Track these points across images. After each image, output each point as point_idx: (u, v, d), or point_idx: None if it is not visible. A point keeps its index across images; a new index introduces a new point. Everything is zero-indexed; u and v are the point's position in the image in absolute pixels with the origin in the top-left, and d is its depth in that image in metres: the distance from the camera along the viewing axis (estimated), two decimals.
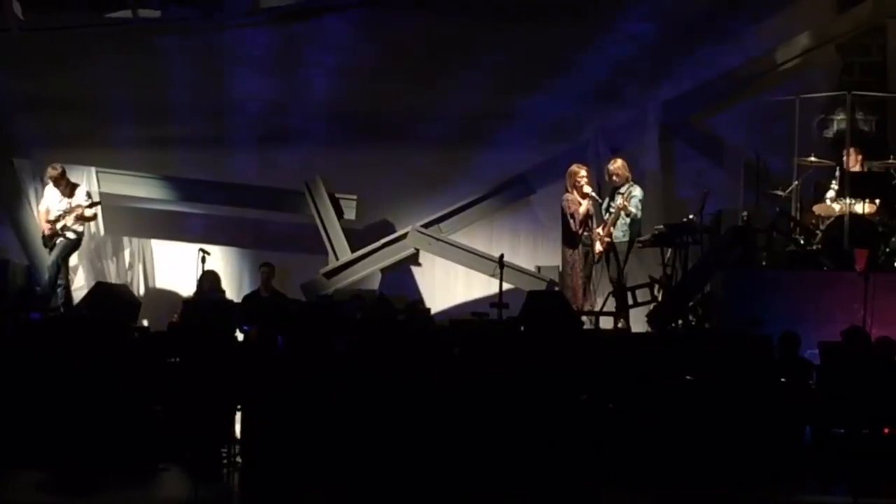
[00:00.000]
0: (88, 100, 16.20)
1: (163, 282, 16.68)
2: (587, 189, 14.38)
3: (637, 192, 14.42)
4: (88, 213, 15.05)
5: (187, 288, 15.65)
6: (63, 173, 15.12)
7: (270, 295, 15.16)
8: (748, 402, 11.33)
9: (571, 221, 14.32)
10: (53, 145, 16.20)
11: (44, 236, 15.04)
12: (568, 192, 14.46)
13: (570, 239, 14.36)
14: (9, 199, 16.17)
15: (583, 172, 14.47)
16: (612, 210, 14.35)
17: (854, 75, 16.23)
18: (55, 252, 14.96)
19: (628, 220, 14.31)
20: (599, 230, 14.38)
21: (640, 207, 14.38)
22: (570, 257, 14.38)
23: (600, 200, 14.46)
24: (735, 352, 11.83)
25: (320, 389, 11.23)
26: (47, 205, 15.12)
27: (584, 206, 14.36)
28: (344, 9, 16.49)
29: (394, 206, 16.66)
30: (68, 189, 15.09)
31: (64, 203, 15.01)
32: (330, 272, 16.16)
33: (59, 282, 14.97)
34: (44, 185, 15.51)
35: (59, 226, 14.92)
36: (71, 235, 14.98)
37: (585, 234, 14.37)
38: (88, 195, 15.17)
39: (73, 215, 14.94)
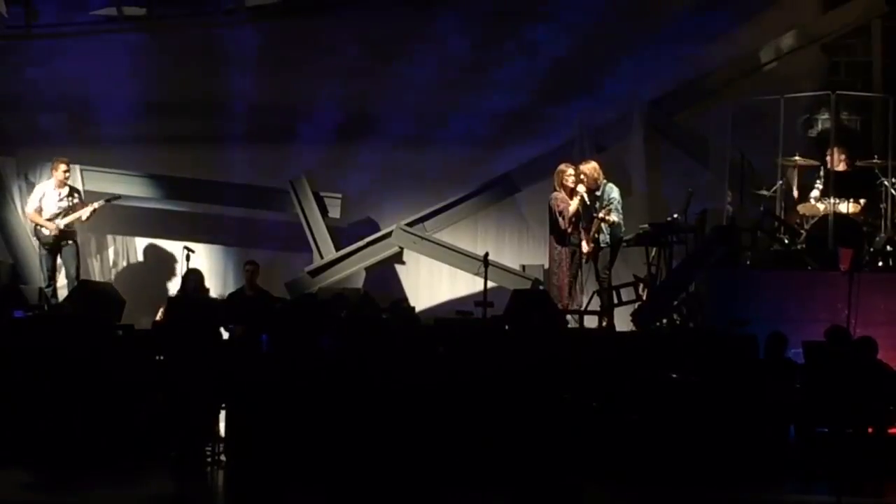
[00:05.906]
0: (73, 97, 16.15)
1: (147, 280, 16.64)
2: (580, 188, 14.34)
3: (614, 194, 14.37)
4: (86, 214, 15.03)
5: (172, 286, 15.62)
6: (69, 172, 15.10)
7: (255, 293, 15.12)
8: (732, 401, 11.35)
9: (560, 220, 14.25)
10: (37, 143, 16.16)
11: (40, 233, 14.90)
12: (556, 190, 14.44)
13: (559, 237, 14.33)
14: None
15: (570, 171, 14.40)
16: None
17: (839, 75, 16.27)
18: (75, 260, 14.88)
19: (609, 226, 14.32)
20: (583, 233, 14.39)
21: (619, 210, 14.37)
22: (557, 256, 14.32)
23: (588, 200, 14.41)
24: (719, 351, 11.86)
25: (305, 388, 11.23)
26: (42, 195, 14.96)
27: (574, 204, 14.31)
28: (331, 8, 16.48)
29: (378, 204, 16.65)
30: (67, 188, 15.02)
31: (65, 202, 14.93)
32: (314, 270, 16.14)
33: (50, 283, 14.96)
34: (27, 180, 15.46)
35: (63, 223, 14.81)
36: (77, 238, 14.95)
37: (573, 234, 14.34)
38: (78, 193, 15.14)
39: (79, 214, 14.86)
